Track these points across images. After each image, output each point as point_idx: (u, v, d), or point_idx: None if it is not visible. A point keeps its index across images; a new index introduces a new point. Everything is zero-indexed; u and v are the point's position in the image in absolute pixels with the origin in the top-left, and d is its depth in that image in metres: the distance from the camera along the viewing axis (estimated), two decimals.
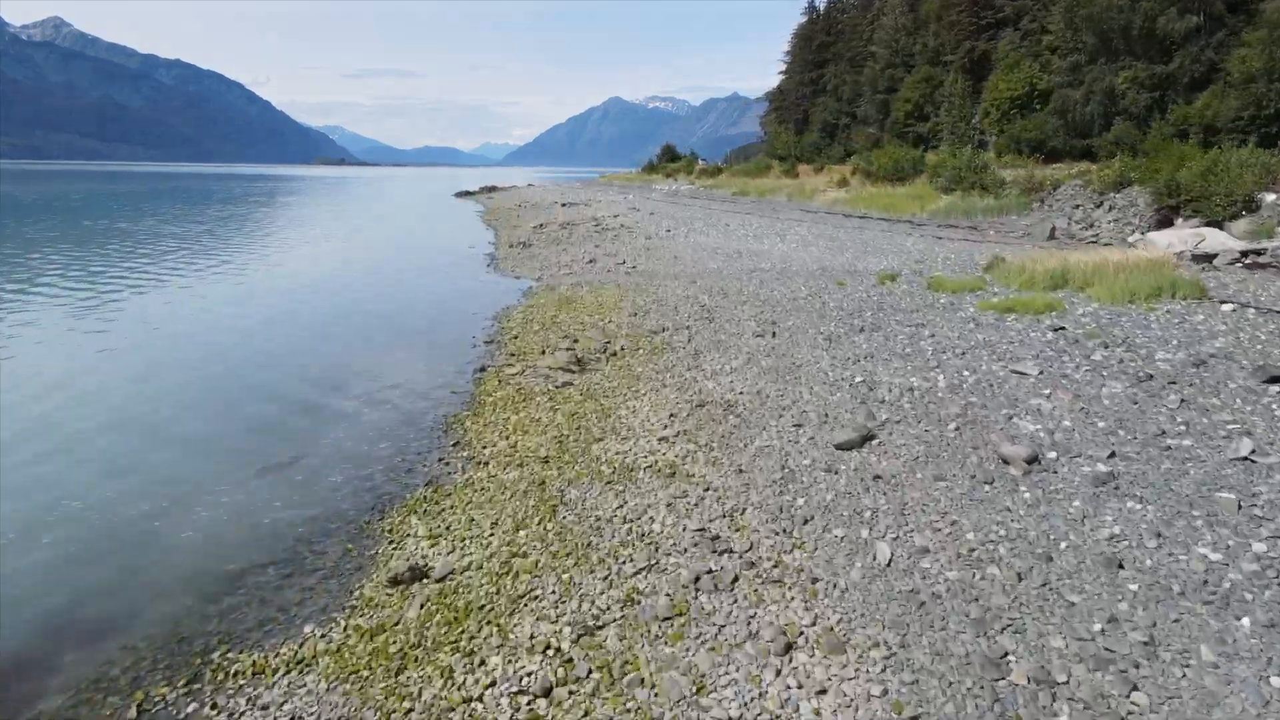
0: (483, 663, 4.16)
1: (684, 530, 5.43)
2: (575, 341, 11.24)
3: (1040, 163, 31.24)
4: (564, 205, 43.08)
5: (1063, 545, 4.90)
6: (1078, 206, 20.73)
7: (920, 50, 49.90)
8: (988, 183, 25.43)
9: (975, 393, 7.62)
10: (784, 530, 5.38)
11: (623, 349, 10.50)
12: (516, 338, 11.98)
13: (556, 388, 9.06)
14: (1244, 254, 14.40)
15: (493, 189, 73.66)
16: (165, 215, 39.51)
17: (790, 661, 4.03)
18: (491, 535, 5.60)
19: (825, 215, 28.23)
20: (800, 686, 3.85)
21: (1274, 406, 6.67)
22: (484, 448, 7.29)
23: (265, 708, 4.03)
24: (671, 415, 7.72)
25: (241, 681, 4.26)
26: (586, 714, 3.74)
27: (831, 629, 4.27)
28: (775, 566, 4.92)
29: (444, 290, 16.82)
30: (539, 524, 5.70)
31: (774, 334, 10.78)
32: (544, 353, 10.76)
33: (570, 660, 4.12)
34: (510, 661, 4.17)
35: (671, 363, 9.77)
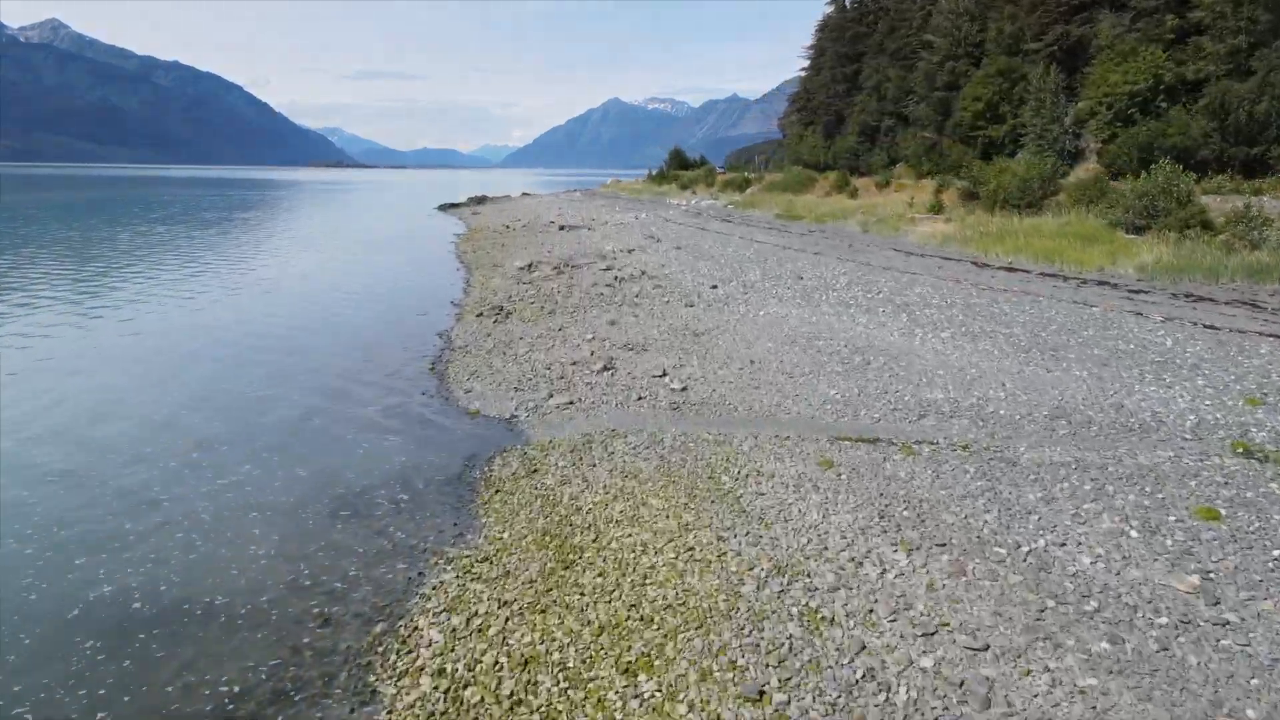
0: None
1: None
2: None
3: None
4: (562, 228, 34.64)
5: None
6: None
7: (994, 37, 41.36)
8: (1214, 221, 16.89)
9: None
10: None
11: None
12: None
13: None
14: None
15: (482, 200, 65.16)
16: (61, 240, 31.05)
17: None
18: None
19: (942, 262, 19.61)
20: None
21: None
22: None
23: None
24: None
25: None
26: None
27: None
28: None
29: (308, 499, 7.85)
30: None
31: None
32: None
33: None
34: None
35: None
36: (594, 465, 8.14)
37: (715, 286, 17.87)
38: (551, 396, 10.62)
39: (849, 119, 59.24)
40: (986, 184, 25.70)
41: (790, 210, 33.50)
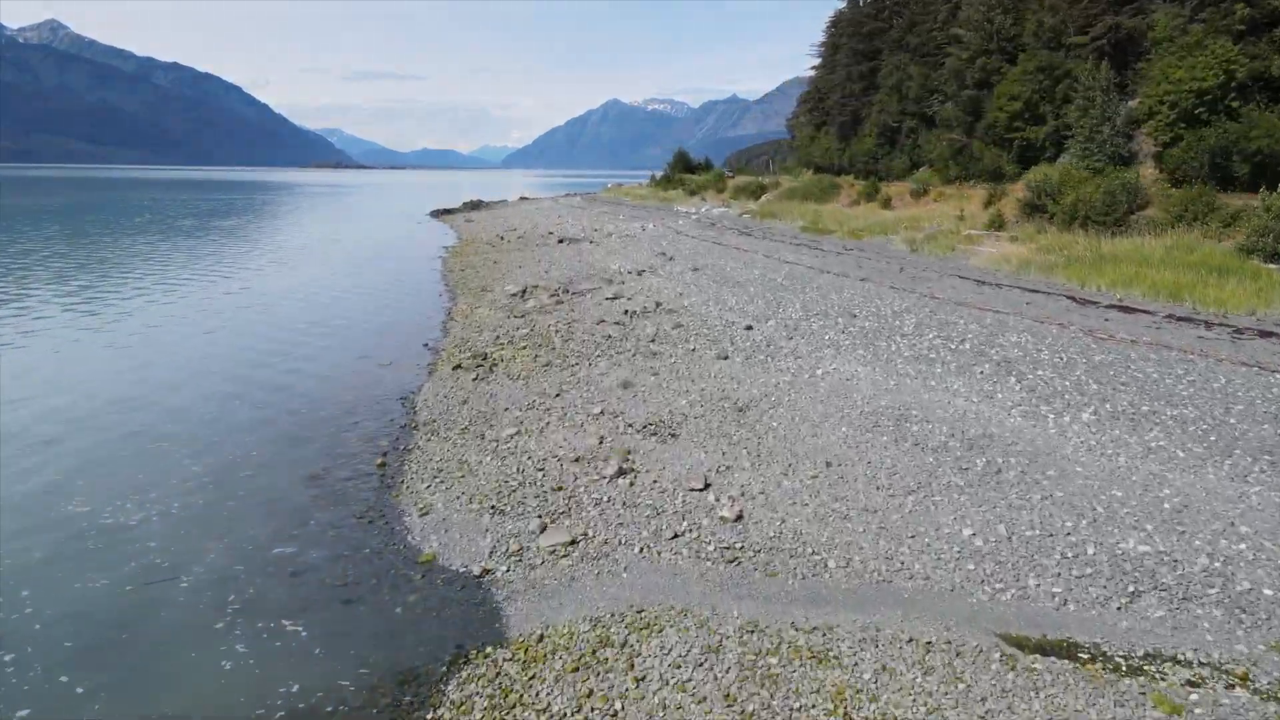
0: None
1: None
2: None
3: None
4: (561, 241, 31.29)
5: None
6: None
7: (1032, 31, 38.00)
8: None
9: None
10: None
11: None
12: None
13: None
14: None
15: (477, 205, 61.77)
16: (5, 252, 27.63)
17: None
18: None
19: (1028, 295, 16.03)
20: None
21: None
22: None
23: None
24: None
25: None
26: None
27: None
28: None
29: None
30: None
31: None
32: None
33: None
34: None
35: None
36: (614, 712, 4.74)
37: (750, 327, 14.45)
38: (545, 529, 7.22)
39: (866, 120, 55.80)
40: (1061, 196, 21.98)
41: (817, 223, 29.90)
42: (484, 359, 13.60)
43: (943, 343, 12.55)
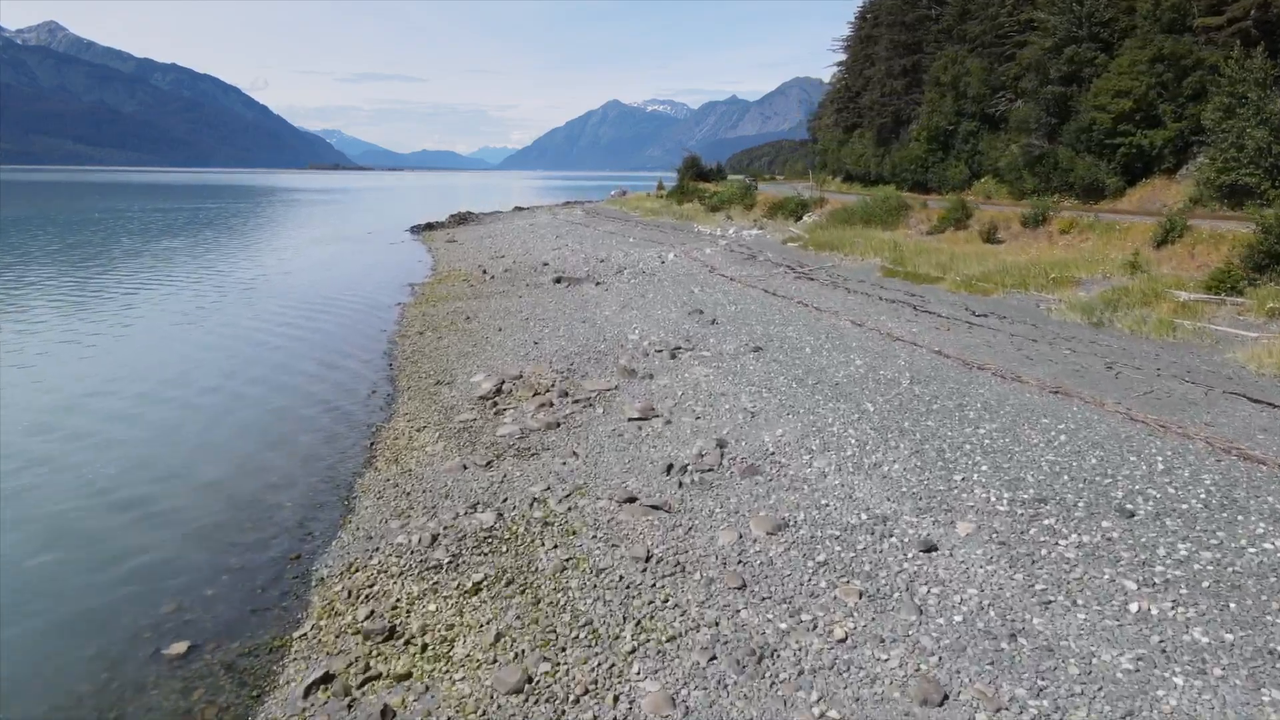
0: None
1: None
2: None
3: None
4: (559, 281, 24.08)
5: None
6: None
7: (1147, 11, 30.66)
8: None
9: None
10: None
11: None
12: None
13: None
14: None
15: (464, 218, 54.46)
16: None
17: None
18: None
19: None
20: None
21: None
22: None
23: None
24: None
25: None
26: None
27: None
28: None
29: None
30: None
31: None
32: None
33: None
34: None
35: None
36: None
37: (934, 548, 7.19)
38: None
39: (912, 121, 48.46)
40: None
41: (900, 261, 22.00)
42: (390, 637, 6.37)
43: None
